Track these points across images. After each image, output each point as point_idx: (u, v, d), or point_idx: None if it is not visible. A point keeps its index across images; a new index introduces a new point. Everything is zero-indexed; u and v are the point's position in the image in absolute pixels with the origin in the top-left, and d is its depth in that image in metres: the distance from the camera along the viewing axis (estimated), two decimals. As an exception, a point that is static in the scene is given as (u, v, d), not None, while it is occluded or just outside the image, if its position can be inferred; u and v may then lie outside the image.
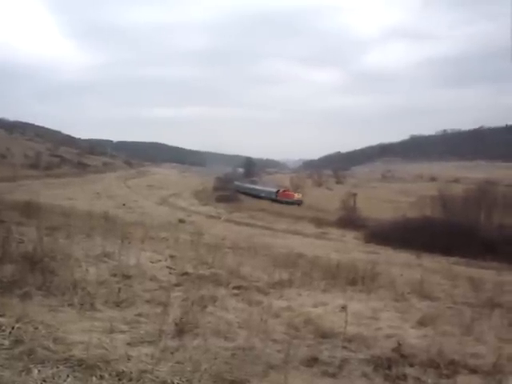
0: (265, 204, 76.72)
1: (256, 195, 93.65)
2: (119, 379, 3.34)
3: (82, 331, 4.21)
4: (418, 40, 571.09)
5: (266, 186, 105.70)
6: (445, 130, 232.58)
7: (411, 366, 4.54)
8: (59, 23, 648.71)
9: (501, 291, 10.77)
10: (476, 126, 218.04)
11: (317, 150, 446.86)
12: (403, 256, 27.41)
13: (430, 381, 4.19)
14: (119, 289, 5.82)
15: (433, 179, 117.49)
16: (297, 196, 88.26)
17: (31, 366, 3.36)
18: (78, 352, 3.65)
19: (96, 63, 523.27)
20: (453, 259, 28.54)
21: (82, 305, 5.12)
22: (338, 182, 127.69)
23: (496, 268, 25.21)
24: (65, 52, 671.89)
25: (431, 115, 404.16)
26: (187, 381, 3.48)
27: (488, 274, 20.49)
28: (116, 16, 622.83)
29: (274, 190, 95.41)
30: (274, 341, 4.85)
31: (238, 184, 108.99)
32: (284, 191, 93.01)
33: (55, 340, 3.87)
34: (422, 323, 6.63)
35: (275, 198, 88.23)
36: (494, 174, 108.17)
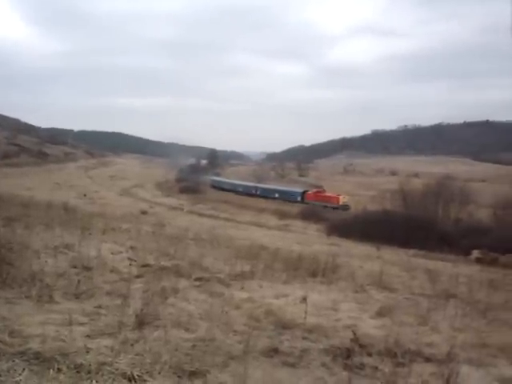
0: (228, 196, 76.41)
1: (260, 195, 74.98)
2: (77, 372, 3.29)
3: (39, 324, 4.14)
4: (382, 37, 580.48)
5: (289, 185, 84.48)
6: (405, 126, 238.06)
7: (369, 355, 4.63)
8: (22, 9, 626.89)
9: (456, 282, 11.14)
10: (435, 122, 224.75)
11: (280, 142, 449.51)
12: (363, 248, 27.85)
13: (386, 370, 4.28)
14: (79, 280, 5.73)
15: (393, 173, 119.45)
16: (342, 199, 64.79)
17: (-14, 359, 3.28)
18: (34, 345, 3.59)
19: (60, 51, 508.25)
20: (411, 251, 29.16)
21: (40, 297, 5.02)
22: (300, 175, 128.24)
23: (452, 260, 26.05)
24: (28, 39, 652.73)
25: (393, 110, 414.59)
26: (147, 372, 3.46)
27: (445, 266, 21.08)
28: (83, 3, 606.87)
29: (299, 190, 74.09)
30: (235, 332, 4.87)
31: (218, 179, 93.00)
32: (317, 192, 71.21)
33: (11, 333, 3.79)
34: (380, 314, 6.79)
35: (300, 201, 68.14)
36: (452, 169, 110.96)
